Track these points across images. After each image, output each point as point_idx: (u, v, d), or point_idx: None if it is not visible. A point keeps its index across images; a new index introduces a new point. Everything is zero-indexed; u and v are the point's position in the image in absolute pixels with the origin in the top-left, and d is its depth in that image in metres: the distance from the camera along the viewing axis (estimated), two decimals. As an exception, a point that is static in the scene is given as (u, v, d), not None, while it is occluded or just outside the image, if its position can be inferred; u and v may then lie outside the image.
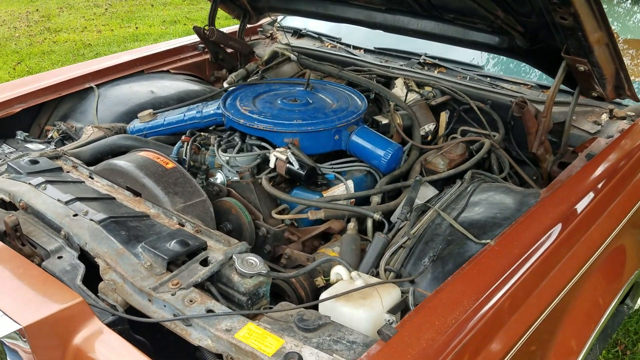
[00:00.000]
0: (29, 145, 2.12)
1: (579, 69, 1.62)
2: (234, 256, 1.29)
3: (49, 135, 2.24)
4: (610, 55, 1.55)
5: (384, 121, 2.17)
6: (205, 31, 2.68)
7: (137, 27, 7.91)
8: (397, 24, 2.23)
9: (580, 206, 1.42)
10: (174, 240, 1.31)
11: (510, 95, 2.13)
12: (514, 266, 1.21)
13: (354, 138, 1.95)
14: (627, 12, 2.55)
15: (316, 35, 2.95)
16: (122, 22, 8.21)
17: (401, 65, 2.53)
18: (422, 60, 2.53)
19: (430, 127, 2.23)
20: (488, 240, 1.30)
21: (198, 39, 2.90)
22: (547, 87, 2.16)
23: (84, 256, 1.34)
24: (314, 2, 2.46)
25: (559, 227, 1.34)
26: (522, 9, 1.62)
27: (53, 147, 2.10)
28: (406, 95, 2.32)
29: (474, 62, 2.47)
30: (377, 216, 1.65)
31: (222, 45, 2.83)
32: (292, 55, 2.72)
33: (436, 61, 2.50)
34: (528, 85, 2.22)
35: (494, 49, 1.98)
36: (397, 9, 2.18)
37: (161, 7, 9.37)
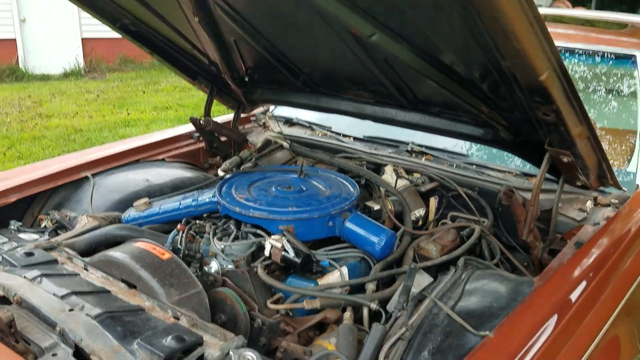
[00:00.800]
0: (22, 236, 2.11)
1: (563, 160, 1.70)
2: (230, 352, 1.28)
3: (43, 225, 2.24)
4: (592, 147, 1.64)
5: (376, 207, 2.22)
6: (201, 122, 2.78)
7: (128, 113, 8.11)
8: (386, 115, 2.33)
9: (573, 296, 1.45)
10: (170, 336, 1.29)
11: (497, 183, 2.21)
12: None
13: (348, 225, 1.98)
14: (603, 100, 2.70)
15: (307, 124, 3.06)
16: (113, 108, 8.42)
17: (390, 153, 2.62)
18: (410, 148, 2.63)
19: (421, 212, 2.28)
20: (487, 332, 1.30)
21: (193, 128, 3.00)
22: (532, 175, 2.24)
23: (79, 352, 1.31)
24: (307, 95, 2.58)
25: (554, 318, 1.36)
26: (505, 105, 1.72)
27: (47, 237, 2.09)
28: (396, 182, 2.38)
29: (460, 150, 2.57)
30: (373, 306, 1.65)
31: (216, 134, 2.93)
32: (284, 143, 2.81)
33: (423, 149, 2.59)
34: (513, 172, 2.30)
35: (479, 140, 2.08)
36: (385, 102, 2.29)
37: (153, 94, 9.67)
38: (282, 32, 2.14)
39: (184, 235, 1.99)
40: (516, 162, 2.39)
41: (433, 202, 2.33)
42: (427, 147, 2.60)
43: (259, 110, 3.22)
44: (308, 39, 2.08)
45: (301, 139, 2.88)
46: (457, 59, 1.63)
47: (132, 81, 10.87)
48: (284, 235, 1.87)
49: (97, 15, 2.38)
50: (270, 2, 1.92)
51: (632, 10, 19.62)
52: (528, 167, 2.30)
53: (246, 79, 2.68)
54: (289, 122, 3.17)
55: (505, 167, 2.35)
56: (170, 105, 8.82)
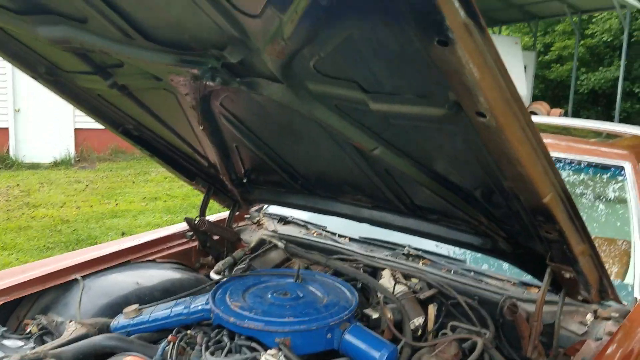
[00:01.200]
0: (5, 342, 2.01)
1: (565, 275, 1.70)
2: None
3: (28, 330, 2.14)
4: (593, 264, 1.64)
5: (374, 315, 2.16)
6: (196, 222, 2.77)
7: (117, 204, 8.08)
8: (383, 220, 2.35)
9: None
10: None
11: (496, 292, 2.18)
12: None
13: (347, 337, 1.92)
14: (593, 208, 2.75)
15: (302, 223, 3.06)
16: (102, 199, 8.40)
17: (386, 256, 2.61)
18: (406, 252, 2.61)
19: (420, 320, 2.23)
20: None
21: (185, 227, 2.98)
22: (530, 285, 2.23)
23: None
24: (304, 197, 2.61)
25: None
26: (504, 219, 1.74)
27: (32, 345, 2.00)
28: (394, 287, 2.35)
29: (456, 255, 2.56)
30: None
31: (210, 234, 2.91)
32: (279, 243, 2.79)
33: (420, 253, 2.58)
34: (511, 282, 2.28)
35: (478, 249, 2.08)
36: (383, 206, 2.32)
37: (142, 184, 9.71)
38: (283, 139, 2.19)
39: (174, 348, 1.91)
40: (514, 270, 2.38)
41: (432, 310, 2.28)
42: (423, 251, 2.59)
43: (253, 207, 3.23)
44: (309, 146, 2.13)
45: (296, 238, 2.87)
46: (458, 175, 1.67)
47: (122, 171, 10.94)
48: (280, 349, 1.81)
49: (100, 120, 2.43)
50: (273, 114, 1.98)
51: (607, 110, 20.68)
52: (525, 275, 2.29)
53: (244, 180, 2.71)
54: (284, 220, 3.17)
55: (503, 275, 2.33)
56: (160, 196, 8.82)
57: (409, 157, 1.72)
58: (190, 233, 2.99)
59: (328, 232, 2.94)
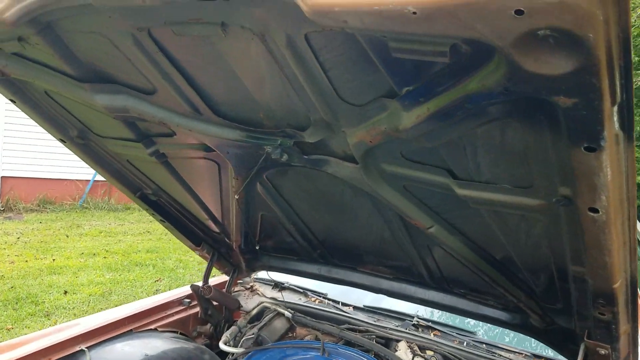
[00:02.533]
0: None
1: (600, 352, 1.81)
2: None
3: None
4: (628, 341, 1.78)
5: (398, 389, 2.18)
6: (203, 289, 2.70)
7: (54, 259, 7.58)
8: (404, 292, 2.40)
9: None
10: None
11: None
12: None
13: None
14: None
15: (301, 290, 3.04)
16: (37, 253, 7.84)
17: (397, 326, 2.64)
18: (415, 322, 2.67)
19: (438, 394, 2.28)
20: None
21: (179, 294, 2.90)
22: (541, 357, 2.34)
23: None
24: (319, 266, 2.62)
25: None
26: (549, 297, 1.85)
27: None
28: (412, 360, 2.39)
29: (466, 326, 2.65)
30: None
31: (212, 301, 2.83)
32: (286, 312, 2.76)
33: (430, 324, 2.64)
34: (523, 354, 2.39)
35: (505, 324, 2.17)
36: (405, 278, 2.37)
37: (77, 238, 9.18)
38: (319, 211, 2.22)
39: None
40: (525, 342, 2.49)
41: (451, 381, 2.34)
42: (432, 322, 2.65)
43: (254, 274, 3.18)
44: (346, 217, 2.15)
45: (301, 306, 2.84)
46: (515, 257, 1.76)
47: (52, 223, 10.31)
48: None
49: (119, 184, 2.36)
50: (320, 188, 2.01)
51: None
52: (539, 348, 2.41)
53: (257, 247, 2.69)
54: (279, 286, 3.14)
55: (515, 347, 2.43)
56: (98, 251, 8.36)
57: (466, 237, 1.80)
58: (188, 300, 2.90)
59: (329, 299, 2.95)
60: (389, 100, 1.32)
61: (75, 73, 1.71)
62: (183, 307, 2.92)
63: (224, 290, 2.96)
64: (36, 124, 2.06)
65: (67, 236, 9.26)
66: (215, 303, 2.91)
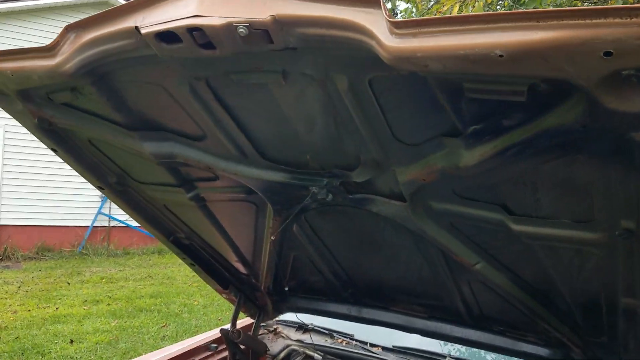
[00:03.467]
0: None
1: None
2: None
3: None
4: None
5: None
6: (232, 334, 2.66)
7: (57, 308, 7.44)
8: (439, 331, 2.38)
9: None
10: None
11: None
12: None
13: None
14: None
15: (326, 331, 3.00)
16: (39, 302, 7.71)
17: (432, 369, 2.60)
18: (448, 362, 2.64)
19: None
20: None
21: (207, 339, 2.87)
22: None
23: None
24: (349, 306, 2.60)
25: None
26: (593, 330, 1.85)
27: None
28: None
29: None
30: None
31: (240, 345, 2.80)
32: (315, 355, 2.73)
33: (463, 363, 2.62)
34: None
35: None
36: (440, 316, 2.36)
37: (79, 286, 9.05)
38: (356, 250, 2.22)
39: None
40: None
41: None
42: (465, 361, 2.63)
43: (279, 316, 3.15)
44: (384, 257, 2.15)
45: (328, 348, 2.81)
46: (564, 290, 1.77)
47: (52, 271, 10.16)
48: None
49: (153, 228, 2.35)
50: (359, 226, 2.02)
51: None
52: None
53: (286, 288, 2.68)
54: (303, 328, 3.10)
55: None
56: (101, 298, 8.24)
57: (512, 273, 1.81)
58: (215, 345, 2.87)
59: (357, 340, 2.91)
60: (448, 138, 1.34)
61: (124, 121, 1.74)
62: (210, 352, 2.88)
63: (250, 333, 2.93)
64: (71, 171, 2.07)
65: (69, 284, 9.13)
66: (242, 346, 2.88)
